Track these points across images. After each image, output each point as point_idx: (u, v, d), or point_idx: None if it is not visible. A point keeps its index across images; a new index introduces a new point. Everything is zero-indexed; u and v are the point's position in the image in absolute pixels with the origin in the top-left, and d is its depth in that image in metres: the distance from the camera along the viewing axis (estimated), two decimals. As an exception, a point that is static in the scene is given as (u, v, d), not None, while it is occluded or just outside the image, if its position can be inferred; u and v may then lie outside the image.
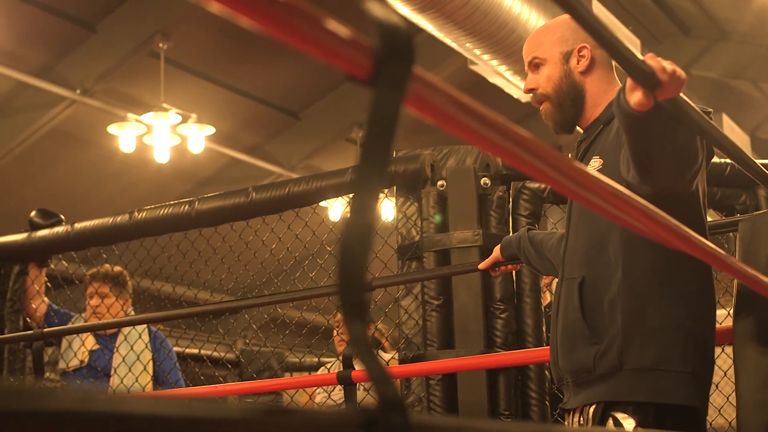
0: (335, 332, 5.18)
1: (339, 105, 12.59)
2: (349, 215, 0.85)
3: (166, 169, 11.53)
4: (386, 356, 4.80)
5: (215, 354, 6.49)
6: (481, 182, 4.02)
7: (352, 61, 0.87)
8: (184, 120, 10.62)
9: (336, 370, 5.05)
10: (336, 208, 12.24)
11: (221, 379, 5.40)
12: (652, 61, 1.86)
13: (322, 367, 5.63)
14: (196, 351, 5.97)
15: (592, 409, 2.42)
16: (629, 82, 1.98)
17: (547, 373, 3.95)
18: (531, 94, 2.68)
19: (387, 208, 12.49)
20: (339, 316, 5.15)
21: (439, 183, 4.05)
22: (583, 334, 2.44)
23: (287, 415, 0.73)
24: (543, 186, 4.04)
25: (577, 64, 2.60)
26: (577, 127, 2.68)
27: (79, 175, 11.97)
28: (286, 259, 4.50)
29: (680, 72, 1.90)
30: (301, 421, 0.74)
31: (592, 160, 2.52)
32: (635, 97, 1.99)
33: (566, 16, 2.60)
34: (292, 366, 7.71)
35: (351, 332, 0.82)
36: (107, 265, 4.99)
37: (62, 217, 5.08)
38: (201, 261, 4.57)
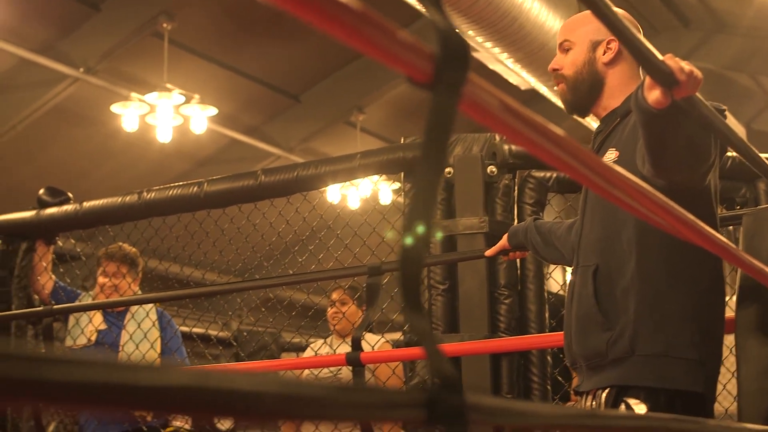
0: (330, 311, 5.18)
1: (339, 89, 12.63)
2: (409, 211, 0.91)
3: (168, 148, 11.57)
4: (375, 338, 4.82)
5: (221, 334, 6.55)
6: (488, 170, 4.08)
7: (414, 67, 0.94)
8: (187, 100, 10.67)
9: (323, 351, 5.07)
10: (334, 191, 12.31)
11: (225, 359, 5.47)
12: (671, 61, 1.93)
13: (309, 349, 5.54)
14: (202, 330, 6.02)
15: (605, 394, 2.49)
16: (648, 80, 2.06)
17: (549, 358, 4.03)
18: (553, 73, 2.77)
19: (385, 193, 12.59)
20: (335, 295, 5.17)
21: (447, 170, 4.11)
22: (597, 321, 2.52)
23: (360, 393, 0.81)
24: (548, 175, 4.11)
25: (603, 54, 2.69)
26: (593, 115, 2.76)
27: (80, 153, 11.99)
28: (294, 241, 4.57)
29: (697, 72, 1.98)
30: (372, 398, 0.81)
31: (609, 152, 2.60)
32: (653, 95, 2.07)
33: None
34: (291, 347, 7.81)
35: (412, 320, 0.89)
36: (124, 245, 5.01)
37: (70, 195, 5.12)
38: (209, 242, 4.63)
